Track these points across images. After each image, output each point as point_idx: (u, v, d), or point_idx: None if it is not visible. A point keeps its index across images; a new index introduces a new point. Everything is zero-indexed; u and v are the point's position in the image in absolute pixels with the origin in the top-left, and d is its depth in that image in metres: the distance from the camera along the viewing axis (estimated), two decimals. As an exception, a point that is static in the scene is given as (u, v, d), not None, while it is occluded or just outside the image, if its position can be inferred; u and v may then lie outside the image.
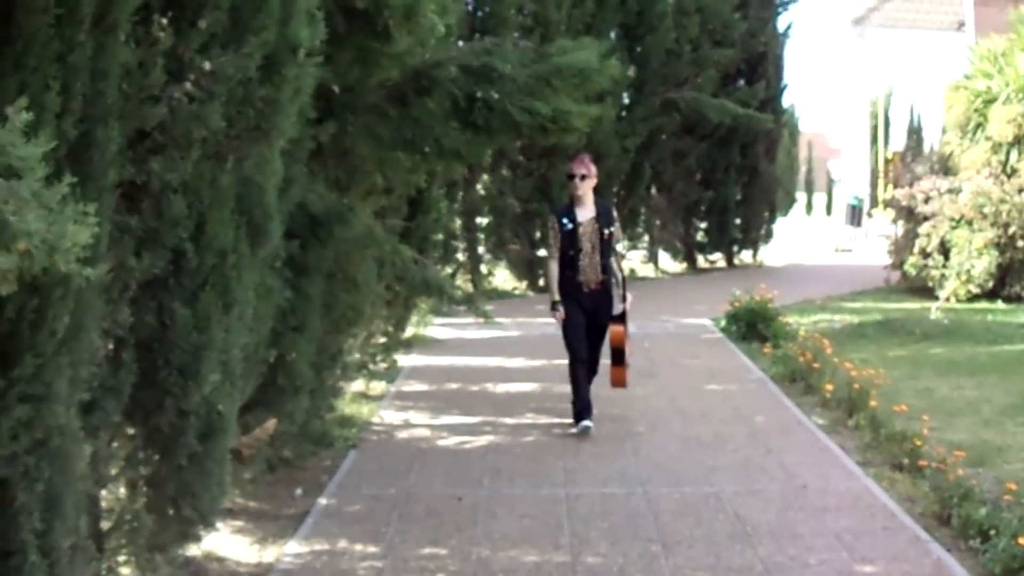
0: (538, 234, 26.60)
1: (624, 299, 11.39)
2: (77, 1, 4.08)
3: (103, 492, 5.97)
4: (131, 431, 5.91)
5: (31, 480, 4.31)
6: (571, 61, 8.90)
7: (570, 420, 11.34)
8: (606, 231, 11.27)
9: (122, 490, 6.19)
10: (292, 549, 7.95)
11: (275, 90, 5.82)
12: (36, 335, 4.10)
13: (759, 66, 31.32)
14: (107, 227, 4.56)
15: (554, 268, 11.40)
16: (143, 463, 5.95)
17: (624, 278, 11.55)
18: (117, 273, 4.96)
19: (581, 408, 11.24)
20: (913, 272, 22.97)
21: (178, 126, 5.19)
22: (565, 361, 11.23)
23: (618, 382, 11.72)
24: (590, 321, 11.36)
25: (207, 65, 5.24)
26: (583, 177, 11.29)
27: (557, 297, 11.31)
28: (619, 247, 11.70)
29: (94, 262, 3.73)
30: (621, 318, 11.43)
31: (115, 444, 5.87)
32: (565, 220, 11.28)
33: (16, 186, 3.24)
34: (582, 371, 11.33)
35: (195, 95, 5.22)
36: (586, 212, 11.32)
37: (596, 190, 11.70)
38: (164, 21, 4.96)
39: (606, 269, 11.33)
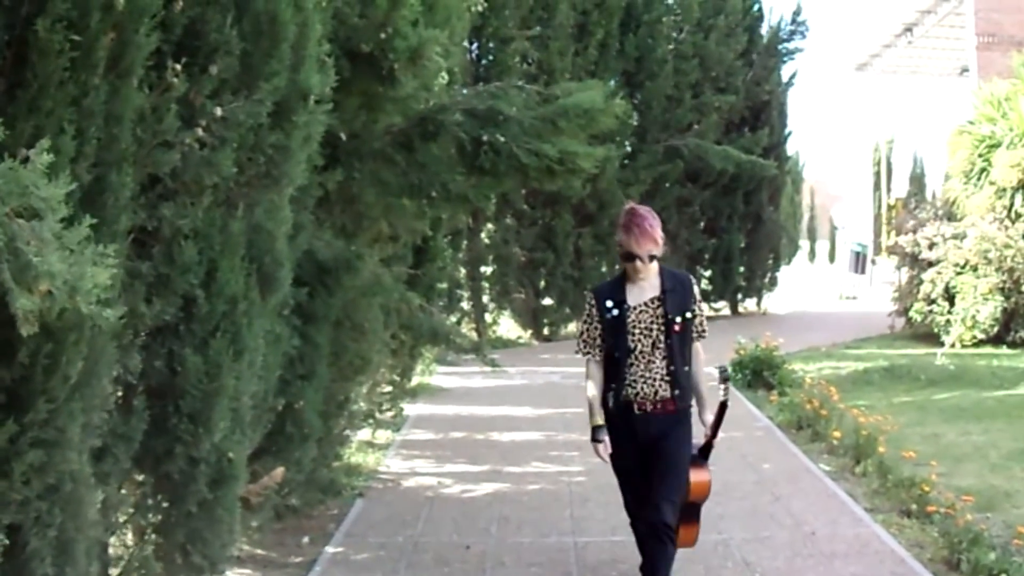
0: (543, 283, 26.64)
1: (713, 430, 7.49)
2: (92, 45, 4.11)
3: (112, 539, 5.97)
4: (140, 478, 5.91)
5: (43, 526, 4.31)
6: (577, 101, 8.88)
7: (577, 469, 11.30)
8: (676, 319, 7.11)
9: (130, 537, 6.19)
10: (300, 597, 7.94)
11: (286, 137, 5.85)
12: (49, 380, 4.10)
13: (762, 113, 31.38)
14: (119, 272, 4.56)
15: (595, 374, 7.32)
16: (152, 510, 5.94)
17: (725, 402, 7.41)
18: (128, 319, 4.96)
19: None
20: (918, 318, 23.00)
21: (189, 172, 5.21)
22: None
23: (685, 542, 7.64)
24: (649, 461, 7.16)
25: (218, 111, 5.27)
26: (651, 257, 7.12)
27: (599, 420, 7.22)
28: (699, 344, 7.41)
29: (111, 305, 3.73)
30: (704, 454, 7.61)
31: (123, 491, 5.87)
32: (608, 302, 7.18)
33: (38, 227, 3.26)
34: (643, 538, 7.25)
35: (207, 141, 5.24)
36: (644, 290, 7.18)
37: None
38: (177, 67, 4.98)
39: (677, 380, 7.11)
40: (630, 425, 7.14)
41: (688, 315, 7.16)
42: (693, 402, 7.32)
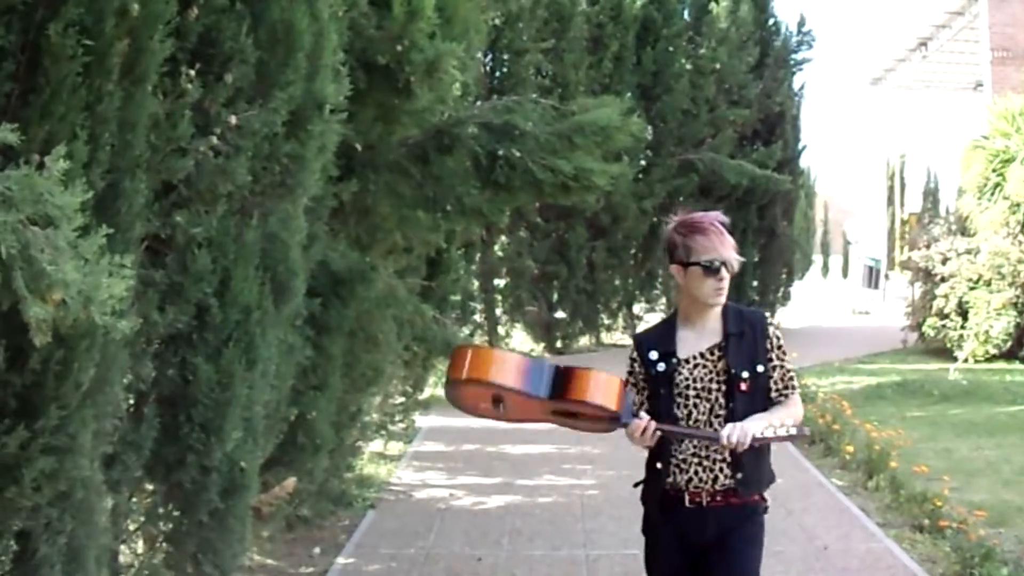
0: (556, 296, 26.64)
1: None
2: (105, 50, 4.08)
3: (122, 547, 5.96)
4: (151, 486, 5.90)
5: (54, 533, 4.30)
6: (593, 118, 8.85)
7: (590, 482, 11.26)
8: (742, 374, 4.94)
9: (141, 545, 6.18)
10: (311, 608, 7.93)
11: (300, 146, 5.84)
12: (61, 386, 4.09)
13: (776, 127, 31.32)
14: (133, 281, 4.56)
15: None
16: (163, 518, 5.92)
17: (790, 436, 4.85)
18: (141, 327, 4.95)
19: None
20: (931, 333, 22.97)
21: (204, 180, 5.21)
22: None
23: None
24: (704, 572, 5.05)
25: (233, 119, 5.26)
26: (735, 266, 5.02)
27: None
28: (796, 398, 5.14)
29: (124, 315, 3.72)
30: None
31: (134, 499, 5.86)
32: (653, 354, 5.05)
33: (52, 235, 3.24)
34: None
35: (221, 149, 5.24)
36: (702, 336, 5.06)
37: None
38: (192, 73, 4.98)
39: (740, 462, 4.89)
40: (678, 524, 5.03)
41: (760, 368, 4.99)
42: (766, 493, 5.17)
